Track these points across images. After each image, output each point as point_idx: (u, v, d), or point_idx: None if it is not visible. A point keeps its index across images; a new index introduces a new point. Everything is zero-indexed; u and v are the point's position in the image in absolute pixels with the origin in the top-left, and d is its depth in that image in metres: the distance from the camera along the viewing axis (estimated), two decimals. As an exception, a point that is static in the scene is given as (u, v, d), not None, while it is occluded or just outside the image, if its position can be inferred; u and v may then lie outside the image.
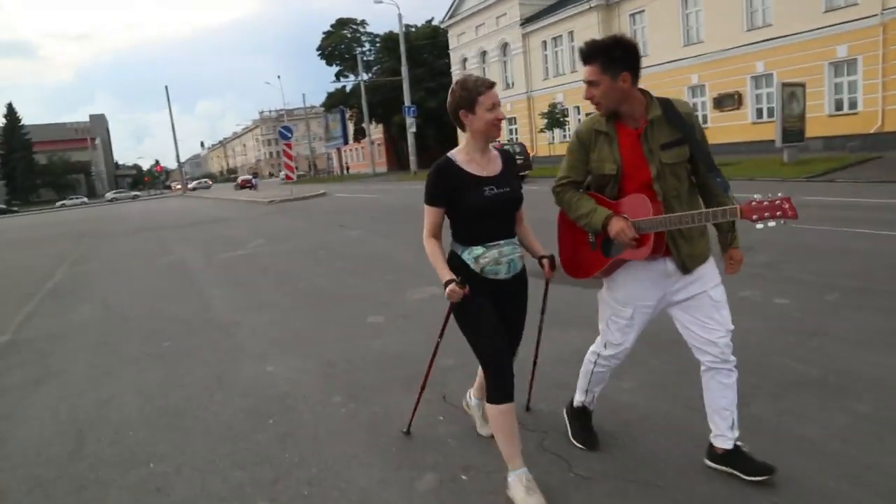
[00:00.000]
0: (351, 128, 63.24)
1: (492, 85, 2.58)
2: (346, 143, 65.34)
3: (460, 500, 2.72)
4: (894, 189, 13.31)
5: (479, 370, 3.09)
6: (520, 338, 2.87)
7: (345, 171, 69.76)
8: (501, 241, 2.64)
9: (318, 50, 61.72)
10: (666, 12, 31.03)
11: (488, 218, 2.61)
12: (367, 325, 5.77)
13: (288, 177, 28.46)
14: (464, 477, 2.89)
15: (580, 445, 3.00)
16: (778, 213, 2.29)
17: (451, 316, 2.77)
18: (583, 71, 2.53)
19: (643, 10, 32.95)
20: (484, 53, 45.07)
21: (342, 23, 61.66)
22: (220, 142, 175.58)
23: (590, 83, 2.48)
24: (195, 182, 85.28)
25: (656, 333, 3.62)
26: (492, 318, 2.61)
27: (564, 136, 37.57)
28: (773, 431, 3.03)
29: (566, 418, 3.15)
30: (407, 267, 8.47)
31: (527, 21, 40.65)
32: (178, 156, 70.98)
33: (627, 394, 3.65)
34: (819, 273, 6.04)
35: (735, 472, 2.66)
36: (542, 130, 35.67)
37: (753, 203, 2.32)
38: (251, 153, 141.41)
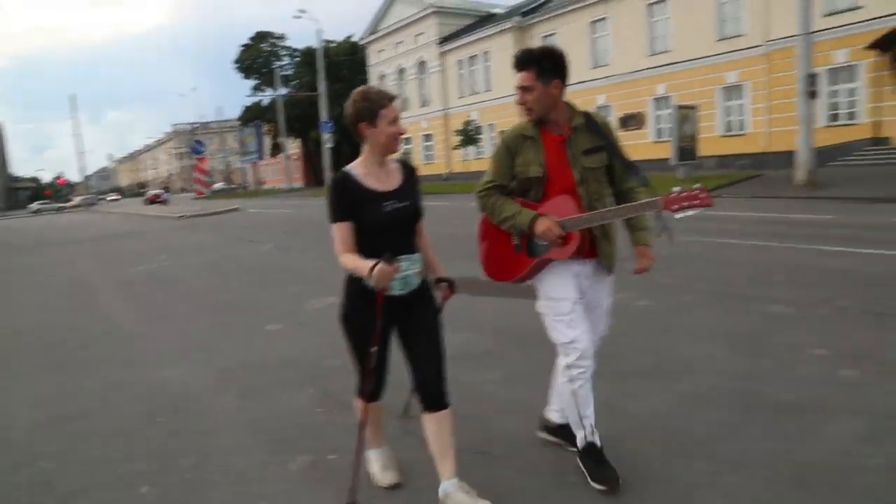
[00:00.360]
0: (267, 142, 62.51)
1: (393, 98, 2.54)
2: (261, 157, 64.48)
3: (326, 476, 3.06)
4: (769, 203, 14.57)
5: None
6: (440, 354, 2.65)
7: (259, 186, 68.50)
8: (401, 257, 2.53)
9: (235, 63, 60.86)
10: (575, 36, 32.49)
11: (387, 233, 2.53)
12: (265, 332, 6.03)
13: (199, 192, 27.95)
14: (331, 457, 3.24)
15: (602, 487, 2.72)
16: (695, 202, 2.50)
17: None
18: (516, 77, 2.65)
19: (555, 33, 34.40)
20: (402, 70, 45.72)
21: (261, 36, 61.06)
22: (130, 154, 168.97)
23: (524, 88, 2.62)
24: (83, 198, 72.93)
25: (525, 334, 4.07)
26: (378, 352, 2.60)
27: (478, 153, 38.59)
28: (611, 410, 3.52)
29: (580, 465, 2.86)
30: (310, 278, 8.75)
31: (444, 40, 41.63)
32: (83, 167, 67.83)
33: (490, 384, 4.09)
34: (682, 278, 6.76)
35: (563, 443, 3.08)
36: (456, 147, 36.52)
37: (672, 195, 2.53)
38: (163, 167, 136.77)
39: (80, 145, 64.27)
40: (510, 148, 2.72)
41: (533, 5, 37.73)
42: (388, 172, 2.61)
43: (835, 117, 23.94)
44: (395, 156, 2.68)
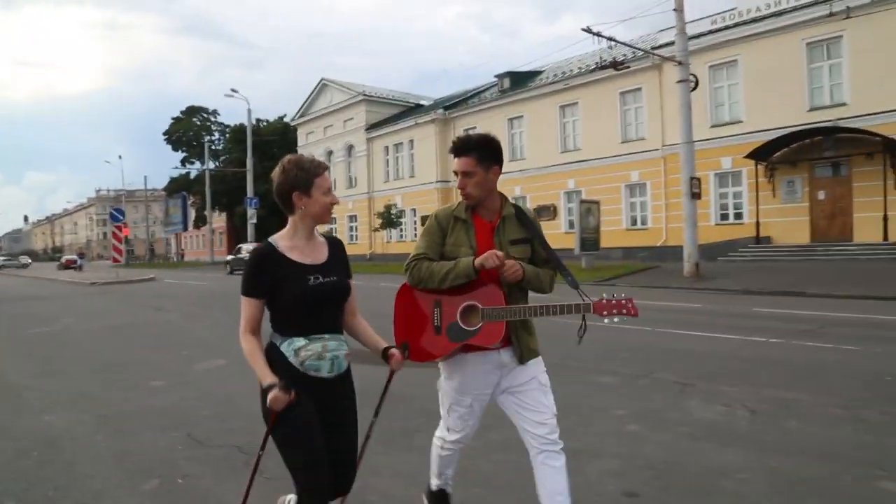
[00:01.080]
0: (192, 214, 62.12)
1: (326, 167, 2.46)
2: (186, 228, 63.87)
3: (173, 494, 3.62)
4: (658, 293, 15.90)
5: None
6: (353, 463, 2.54)
7: (178, 258, 67.27)
8: (326, 335, 2.40)
9: (164, 134, 61.09)
10: (493, 131, 33.53)
11: (313, 309, 2.38)
12: (149, 387, 6.50)
13: (115, 259, 27.69)
14: (180, 481, 3.80)
15: None
16: (623, 311, 2.62)
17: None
18: (455, 163, 2.68)
19: (475, 127, 36.49)
20: (330, 153, 47.02)
21: (193, 110, 61.78)
22: (48, 218, 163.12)
23: (465, 174, 2.65)
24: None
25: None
26: (318, 440, 2.35)
27: (401, 236, 39.76)
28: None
29: (426, 502, 3.06)
30: (205, 344, 9.23)
31: (371, 127, 43.38)
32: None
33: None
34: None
35: None
36: (376, 229, 37.65)
37: (603, 301, 2.63)
38: (83, 232, 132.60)
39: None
40: (442, 225, 2.75)
41: (456, 100, 40.08)
42: (314, 246, 2.47)
43: (724, 216, 26.33)
44: (322, 229, 2.63)
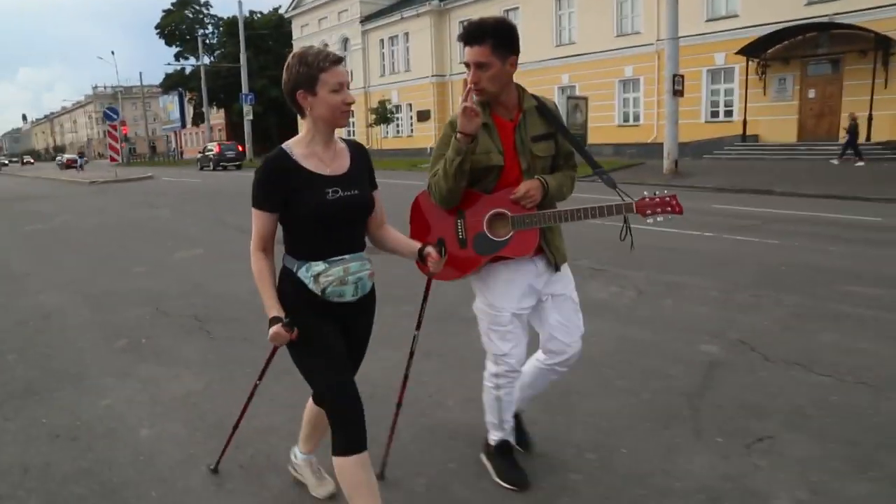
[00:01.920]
0: (190, 111, 61.84)
1: (338, 60, 2.09)
2: (183, 126, 63.77)
3: (136, 350, 4.49)
4: (629, 188, 16.44)
5: (305, 416, 2.58)
6: (359, 363, 2.40)
7: (177, 157, 67.50)
8: (347, 256, 2.16)
9: (156, 28, 59.74)
10: None
11: (332, 227, 2.12)
12: (132, 272, 7.37)
13: (112, 158, 28.23)
14: (143, 341, 4.70)
15: (510, 486, 2.66)
16: (667, 209, 2.39)
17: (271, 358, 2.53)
18: (466, 52, 2.35)
19: (472, 19, 35.74)
20: (325, 46, 45.80)
21: (183, 2, 60.00)
22: (47, 116, 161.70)
23: (478, 65, 2.31)
24: None
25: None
26: (339, 346, 2.17)
27: (397, 132, 39.94)
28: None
29: (485, 461, 2.79)
30: (188, 236, 10.12)
31: (366, 19, 42.45)
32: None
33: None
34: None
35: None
36: (370, 125, 37.80)
37: (646, 199, 2.40)
38: (82, 131, 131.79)
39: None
40: None
41: (453, -10, 39.06)
42: (334, 154, 2.19)
43: (715, 114, 26.46)
44: (342, 133, 2.36)
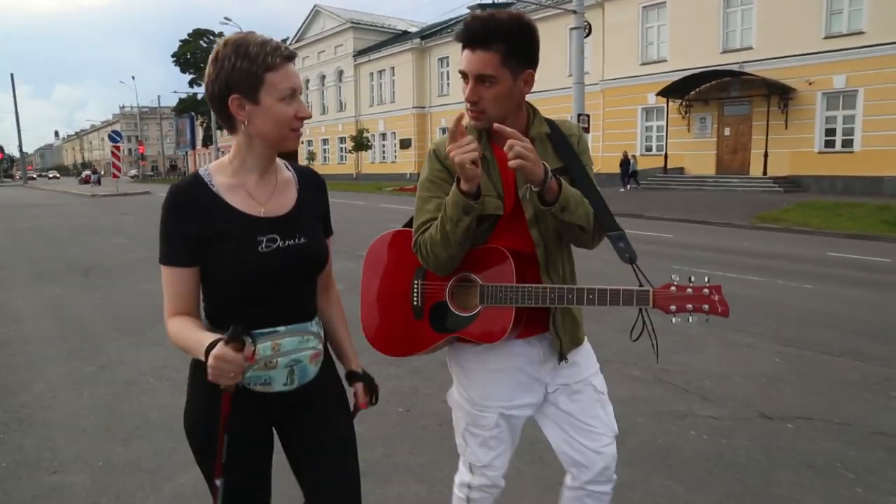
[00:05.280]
0: (200, 133, 66.13)
1: (291, 56, 1.43)
2: (193, 147, 68.20)
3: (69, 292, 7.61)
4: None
5: None
6: (352, 476, 1.64)
7: (182, 175, 71.92)
8: (282, 329, 1.48)
9: (172, 57, 64.27)
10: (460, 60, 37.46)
11: (262, 290, 1.47)
12: (70, 251, 10.67)
13: (114, 175, 32.05)
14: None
15: None
16: (704, 307, 1.60)
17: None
18: (465, 59, 1.63)
19: (448, 56, 39.27)
20: (323, 77, 50.03)
21: (199, 34, 64.52)
22: (77, 133, 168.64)
23: (480, 78, 1.61)
24: None
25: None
26: (246, 467, 1.52)
27: (384, 157, 43.46)
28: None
29: None
30: (135, 233, 13.50)
31: (359, 53, 46.16)
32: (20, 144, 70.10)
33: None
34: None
35: None
36: (350, 151, 41.65)
37: (671, 289, 1.63)
38: (108, 148, 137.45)
39: (19, 123, 65.66)
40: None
41: (435, 29, 42.61)
42: (273, 187, 1.53)
43: (649, 148, 29.43)
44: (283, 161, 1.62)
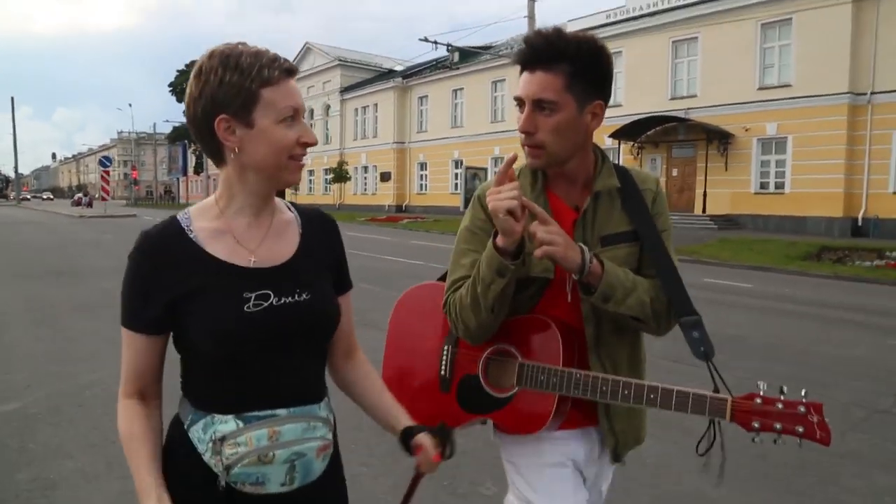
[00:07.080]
0: (192, 160, 68.21)
1: (291, 70, 1.15)
2: (185, 174, 70.32)
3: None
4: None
5: None
6: None
7: (175, 201, 73.97)
8: (282, 412, 1.17)
9: (169, 86, 66.53)
10: (442, 100, 39.85)
11: (251, 359, 1.16)
12: (46, 261, 12.38)
13: (103, 198, 34.10)
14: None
15: None
16: (798, 429, 1.25)
17: None
18: (522, 81, 1.40)
19: (427, 95, 41.56)
20: (312, 111, 52.22)
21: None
22: (74, 156, 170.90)
23: (539, 105, 1.37)
24: None
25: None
26: None
27: (365, 189, 45.53)
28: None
29: None
30: (109, 250, 15.29)
31: (345, 89, 48.47)
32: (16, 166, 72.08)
33: None
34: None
35: None
36: (330, 183, 43.75)
37: (757, 400, 1.28)
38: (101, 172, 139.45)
39: (16, 145, 67.70)
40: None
41: (417, 69, 44.96)
42: (267, 230, 1.23)
43: (607, 186, 31.42)
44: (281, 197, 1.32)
